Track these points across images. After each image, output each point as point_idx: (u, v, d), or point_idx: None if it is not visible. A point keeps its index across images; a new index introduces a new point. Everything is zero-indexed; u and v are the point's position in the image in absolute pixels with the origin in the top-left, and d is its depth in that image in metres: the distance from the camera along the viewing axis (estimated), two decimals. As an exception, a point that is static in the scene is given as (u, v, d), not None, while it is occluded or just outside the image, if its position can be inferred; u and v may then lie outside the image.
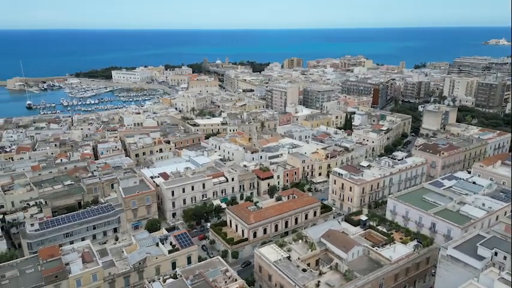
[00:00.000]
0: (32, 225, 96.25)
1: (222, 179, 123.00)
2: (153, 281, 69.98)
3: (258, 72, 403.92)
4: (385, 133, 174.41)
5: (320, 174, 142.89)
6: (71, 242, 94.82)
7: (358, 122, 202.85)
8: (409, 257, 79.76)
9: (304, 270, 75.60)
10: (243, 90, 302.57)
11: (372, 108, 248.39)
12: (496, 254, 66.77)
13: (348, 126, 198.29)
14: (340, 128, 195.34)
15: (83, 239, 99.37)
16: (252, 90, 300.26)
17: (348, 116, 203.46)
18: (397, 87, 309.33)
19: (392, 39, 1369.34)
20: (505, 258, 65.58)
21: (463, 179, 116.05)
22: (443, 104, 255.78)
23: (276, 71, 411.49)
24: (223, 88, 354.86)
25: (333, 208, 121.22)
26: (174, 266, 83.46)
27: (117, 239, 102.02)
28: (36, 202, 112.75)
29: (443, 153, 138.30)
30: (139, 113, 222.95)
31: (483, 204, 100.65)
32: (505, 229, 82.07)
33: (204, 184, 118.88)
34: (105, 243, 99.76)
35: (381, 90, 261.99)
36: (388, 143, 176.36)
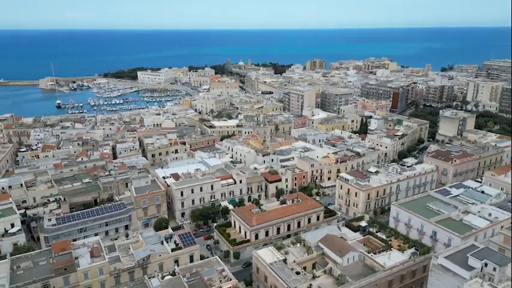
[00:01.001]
0: (50, 220, 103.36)
1: (230, 181, 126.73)
2: (153, 277, 74.21)
3: (279, 74, 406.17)
4: (399, 138, 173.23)
5: (329, 178, 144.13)
6: (85, 237, 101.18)
7: (375, 126, 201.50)
8: (404, 264, 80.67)
9: (297, 273, 78.06)
10: (262, 92, 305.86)
11: (391, 112, 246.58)
12: (486, 265, 67.03)
13: (363, 130, 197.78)
14: (355, 132, 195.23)
15: (96, 235, 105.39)
16: (271, 93, 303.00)
17: (364, 120, 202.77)
18: (419, 91, 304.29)
19: (419, 40, 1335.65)
20: (494, 269, 65.76)
21: (471, 188, 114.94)
22: (466, 109, 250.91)
23: (297, 72, 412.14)
24: (244, 90, 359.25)
25: (339, 213, 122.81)
26: (176, 263, 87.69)
27: (127, 235, 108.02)
28: (55, 198, 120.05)
29: (455, 161, 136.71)
30: (159, 114, 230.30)
31: (489, 214, 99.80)
32: (504, 240, 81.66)
33: (212, 185, 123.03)
34: (116, 239, 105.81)
35: (400, 94, 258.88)
36: (402, 148, 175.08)
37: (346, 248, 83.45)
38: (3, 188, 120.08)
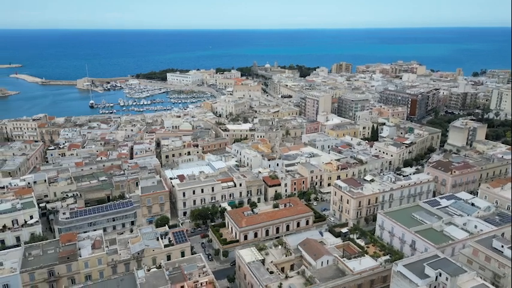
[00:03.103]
0: (64, 213, 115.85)
1: (231, 183, 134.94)
2: (140, 269, 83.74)
3: (303, 77, 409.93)
4: (406, 147, 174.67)
5: (329, 184, 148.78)
6: (95, 230, 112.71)
7: (387, 133, 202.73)
8: (374, 270, 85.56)
9: (271, 272, 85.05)
10: (282, 96, 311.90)
11: (408, 119, 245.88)
12: (440, 274, 71.15)
13: (374, 137, 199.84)
14: (366, 139, 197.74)
15: (104, 229, 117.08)
16: (290, 96, 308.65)
17: (375, 127, 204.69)
18: (441, 98, 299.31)
19: (452, 40, 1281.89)
20: (447, 279, 69.83)
21: (463, 200, 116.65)
22: (488, 117, 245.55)
23: (322, 76, 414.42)
24: (266, 93, 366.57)
25: (332, 218, 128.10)
26: (169, 258, 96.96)
27: (131, 231, 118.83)
28: (73, 194, 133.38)
29: (454, 172, 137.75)
30: (179, 116, 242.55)
31: (475, 226, 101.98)
32: (472, 252, 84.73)
33: (213, 187, 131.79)
34: (122, 233, 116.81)
35: (419, 100, 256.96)
36: (410, 157, 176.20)
37: (321, 252, 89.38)
38: (28, 183, 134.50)
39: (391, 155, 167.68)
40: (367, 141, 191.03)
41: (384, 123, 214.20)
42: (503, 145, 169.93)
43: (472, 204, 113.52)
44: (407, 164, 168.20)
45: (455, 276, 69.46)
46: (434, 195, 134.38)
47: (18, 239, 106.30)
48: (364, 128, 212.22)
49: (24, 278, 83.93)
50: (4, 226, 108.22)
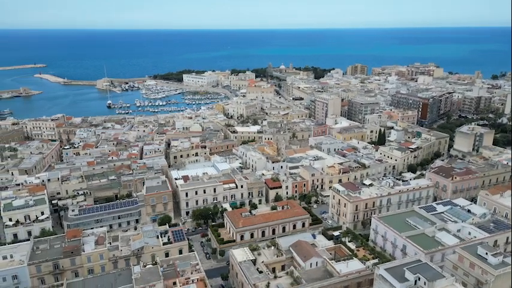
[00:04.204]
0: (73, 210, 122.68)
1: (232, 185, 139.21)
2: (137, 264, 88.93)
3: (317, 79, 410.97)
4: (411, 151, 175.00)
5: (330, 188, 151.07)
6: (101, 227, 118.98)
7: (394, 137, 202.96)
8: (360, 272, 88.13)
9: (260, 272, 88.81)
10: (293, 98, 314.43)
11: (419, 123, 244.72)
12: (419, 278, 73.35)
13: (380, 141, 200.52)
14: (373, 143, 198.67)
15: (110, 226, 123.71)
16: (301, 99, 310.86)
17: (382, 131, 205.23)
18: (456, 101, 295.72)
19: (474, 41, 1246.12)
20: (425, 283, 71.99)
21: (459, 206, 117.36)
22: (501, 122, 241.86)
23: (335, 78, 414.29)
24: (279, 95, 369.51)
25: (330, 221, 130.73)
26: (167, 255, 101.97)
27: (135, 228, 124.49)
28: (83, 192, 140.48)
29: (455, 178, 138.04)
30: (190, 118, 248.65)
31: (469, 233, 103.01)
32: (458, 259, 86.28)
33: (215, 189, 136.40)
34: (127, 231, 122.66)
35: (430, 104, 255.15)
36: (416, 161, 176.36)
37: (311, 254, 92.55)
38: (43, 181, 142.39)
39: (395, 160, 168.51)
40: (373, 145, 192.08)
41: (392, 127, 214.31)
42: (510, 151, 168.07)
43: (468, 211, 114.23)
44: (411, 169, 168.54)
45: (433, 281, 71.57)
46: (435, 201, 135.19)
47: (29, 233, 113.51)
48: (371, 131, 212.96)
49: (32, 270, 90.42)
50: (17, 221, 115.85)
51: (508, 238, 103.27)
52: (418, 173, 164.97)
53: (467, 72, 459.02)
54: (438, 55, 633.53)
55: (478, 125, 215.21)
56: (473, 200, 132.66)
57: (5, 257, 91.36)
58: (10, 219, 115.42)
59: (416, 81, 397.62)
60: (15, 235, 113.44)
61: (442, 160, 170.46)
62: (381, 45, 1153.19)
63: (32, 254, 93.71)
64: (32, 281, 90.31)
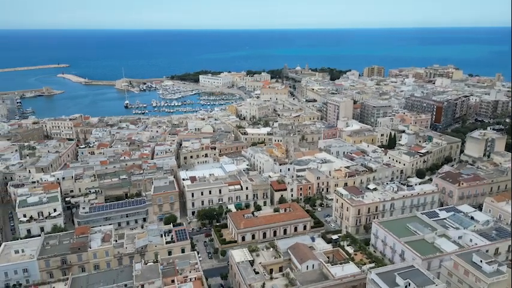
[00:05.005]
0: (84, 208, 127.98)
1: (238, 187, 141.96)
2: (139, 262, 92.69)
3: (332, 81, 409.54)
4: (420, 156, 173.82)
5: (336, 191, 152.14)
6: (110, 225, 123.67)
7: (405, 141, 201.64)
8: (355, 276, 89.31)
9: (257, 272, 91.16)
10: (306, 100, 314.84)
11: (432, 127, 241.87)
12: (409, 284, 74.22)
13: (391, 145, 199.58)
14: (383, 147, 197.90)
15: (119, 224, 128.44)
16: (315, 101, 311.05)
17: (392, 135, 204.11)
18: (473, 105, 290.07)
19: (494, 41, 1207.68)
20: (414, 289, 72.94)
21: (463, 213, 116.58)
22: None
23: (351, 79, 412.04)
24: (294, 96, 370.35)
25: (333, 224, 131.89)
26: (170, 254, 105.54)
27: (142, 227, 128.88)
28: (95, 190, 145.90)
29: (462, 184, 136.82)
30: (203, 119, 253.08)
31: (470, 240, 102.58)
32: (453, 266, 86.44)
33: (220, 190, 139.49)
34: (134, 229, 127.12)
35: (445, 108, 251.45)
36: (424, 166, 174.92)
37: (307, 256, 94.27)
38: (57, 179, 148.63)
39: (403, 164, 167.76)
40: (383, 148, 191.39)
41: (403, 131, 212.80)
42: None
43: (472, 218, 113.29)
44: (420, 173, 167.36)
45: (423, 287, 72.35)
46: (441, 207, 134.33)
47: (42, 229, 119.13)
48: (382, 135, 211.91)
49: (41, 264, 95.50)
50: (31, 217, 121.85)
51: (510, 246, 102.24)
52: (427, 178, 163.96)
53: (488, 74, 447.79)
54: (458, 56, 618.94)
55: (493, 129, 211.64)
56: (480, 206, 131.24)
57: (17, 251, 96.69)
58: (24, 215, 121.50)
59: (434, 83, 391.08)
60: (28, 231, 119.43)
61: (452, 165, 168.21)
62: (400, 46, 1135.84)
63: (42, 249, 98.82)
64: (41, 275, 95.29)
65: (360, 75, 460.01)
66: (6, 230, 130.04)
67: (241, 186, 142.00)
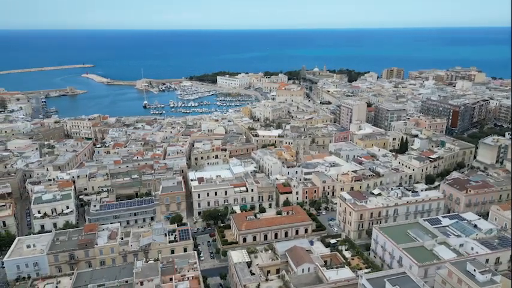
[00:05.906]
0: (95, 206, 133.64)
1: (243, 188, 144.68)
2: (140, 260, 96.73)
3: (350, 83, 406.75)
4: (431, 161, 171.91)
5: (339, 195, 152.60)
6: (120, 223, 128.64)
7: (418, 145, 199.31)
8: (349, 281, 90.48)
9: (253, 274, 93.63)
10: (321, 102, 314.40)
11: (449, 131, 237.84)
12: (398, 291, 75.11)
13: (402, 149, 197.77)
14: (395, 151, 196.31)
15: (127, 222, 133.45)
16: (329, 103, 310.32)
17: (404, 139, 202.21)
18: (493, 109, 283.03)
19: None
20: (403, 296, 73.74)
21: (466, 220, 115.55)
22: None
23: (369, 81, 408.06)
24: (309, 98, 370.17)
25: (336, 228, 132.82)
26: (172, 252, 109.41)
27: (150, 225, 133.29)
28: (107, 189, 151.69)
29: (469, 191, 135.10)
30: (217, 120, 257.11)
31: (472, 248, 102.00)
32: (447, 274, 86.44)
33: (226, 191, 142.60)
34: (142, 227, 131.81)
35: (462, 112, 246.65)
36: (435, 172, 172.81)
37: (304, 259, 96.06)
38: (73, 177, 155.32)
39: (413, 169, 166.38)
40: (394, 153, 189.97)
41: (416, 135, 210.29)
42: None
43: (475, 226, 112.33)
44: (429, 179, 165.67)
45: (411, 294, 73.12)
46: (448, 214, 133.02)
47: (55, 225, 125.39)
48: (394, 139, 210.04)
49: (50, 259, 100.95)
50: (45, 214, 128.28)
51: (511, 256, 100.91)
52: (436, 183, 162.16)
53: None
54: (480, 57, 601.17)
55: (511, 134, 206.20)
56: (488, 214, 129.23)
57: (28, 246, 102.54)
58: (39, 212, 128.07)
59: (454, 86, 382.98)
60: (42, 226, 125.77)
61: (462, 172, 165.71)
62: (421, 47, 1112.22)
63: (52, 245, 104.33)
64: (50, 269, 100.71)
65: (378, 77, 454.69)
66: (23, 225, 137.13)
67: (247, 188, 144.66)
